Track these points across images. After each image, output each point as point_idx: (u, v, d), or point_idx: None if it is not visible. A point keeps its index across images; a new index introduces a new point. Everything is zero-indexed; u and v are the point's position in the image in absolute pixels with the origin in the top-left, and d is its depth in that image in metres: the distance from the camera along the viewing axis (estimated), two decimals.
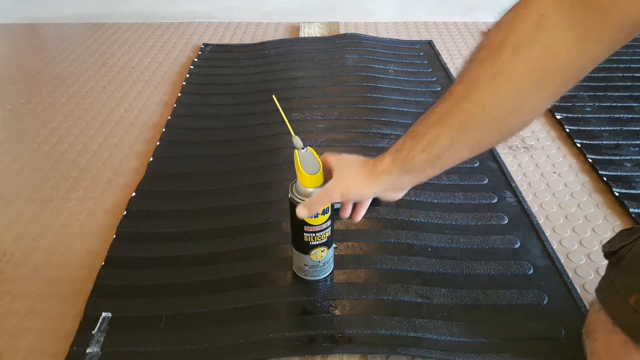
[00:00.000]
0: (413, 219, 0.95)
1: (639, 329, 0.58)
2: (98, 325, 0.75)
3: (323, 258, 0.78)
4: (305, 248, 0.76)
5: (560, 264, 0.85)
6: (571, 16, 0.45)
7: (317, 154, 0.70)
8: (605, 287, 0.65)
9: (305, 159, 0.69)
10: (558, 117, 1.27)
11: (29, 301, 0.81)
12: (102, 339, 0.73)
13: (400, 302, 0.78)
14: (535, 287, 0.81)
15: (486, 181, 1.05)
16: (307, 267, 0.79)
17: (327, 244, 0.77)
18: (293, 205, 0.70)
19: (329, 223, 0.74)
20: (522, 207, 0.98)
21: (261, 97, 1.40)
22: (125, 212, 0.97)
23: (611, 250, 0.65)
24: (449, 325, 0.74)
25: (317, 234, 0.74)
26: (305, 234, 0.74)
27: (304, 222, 0.72)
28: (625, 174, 1.06)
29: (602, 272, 0.85)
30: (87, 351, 0.71)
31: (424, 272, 0.84)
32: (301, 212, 0.69)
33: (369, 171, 0.64)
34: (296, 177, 0.70)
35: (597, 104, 1.32)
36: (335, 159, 0.69)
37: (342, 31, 1.87)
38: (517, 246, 0.89)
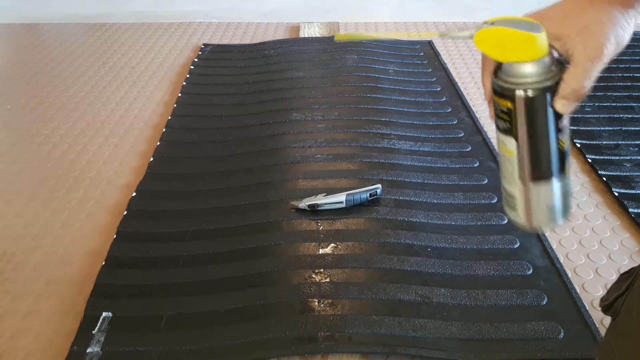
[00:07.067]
0: (413, 219, 0.95)
1: None
2: (98, 325, 0.75)
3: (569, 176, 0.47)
4: (561, 162, 0.45)
5: (560, 264, 0.85)
6: None
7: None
8: (603, 347, 0.59)
9: (507, 23, 0.40)
10: None
11: (29, 301, 0.81)
12: (102, 338, 0.73)
13: (399, 302, 0.78)
14: (535, 287, 0.81)
15: (485, 181, 1.05)
16: (559, 203, 0.46)
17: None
18: (530, 101, 0.41)
19: None
20: None
21: (261, 97, 1.40)
22: (125, 212, 0.98)
23: (607, 304, 0.55)
24: (449, 325, 0.74)
25: (565, 132, 0.44)
26: (559, 137, 0.44)
27: (554, 117, 0.43)
28: (624, 174, 1.06)
29: (602, 272, 0.87)
30: (88, 351, 0.71)
31: (423, 272, 0.84)
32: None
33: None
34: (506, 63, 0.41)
35: (596, 103, 1.32)
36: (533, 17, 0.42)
37: (342, 31, 1.87)
38: (516, 246, 0.89)
